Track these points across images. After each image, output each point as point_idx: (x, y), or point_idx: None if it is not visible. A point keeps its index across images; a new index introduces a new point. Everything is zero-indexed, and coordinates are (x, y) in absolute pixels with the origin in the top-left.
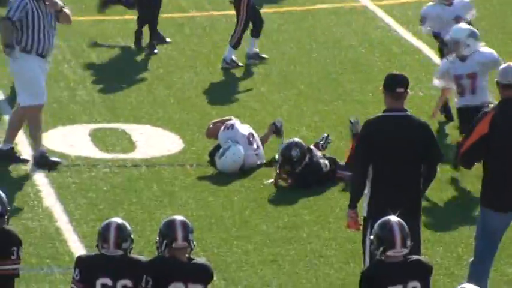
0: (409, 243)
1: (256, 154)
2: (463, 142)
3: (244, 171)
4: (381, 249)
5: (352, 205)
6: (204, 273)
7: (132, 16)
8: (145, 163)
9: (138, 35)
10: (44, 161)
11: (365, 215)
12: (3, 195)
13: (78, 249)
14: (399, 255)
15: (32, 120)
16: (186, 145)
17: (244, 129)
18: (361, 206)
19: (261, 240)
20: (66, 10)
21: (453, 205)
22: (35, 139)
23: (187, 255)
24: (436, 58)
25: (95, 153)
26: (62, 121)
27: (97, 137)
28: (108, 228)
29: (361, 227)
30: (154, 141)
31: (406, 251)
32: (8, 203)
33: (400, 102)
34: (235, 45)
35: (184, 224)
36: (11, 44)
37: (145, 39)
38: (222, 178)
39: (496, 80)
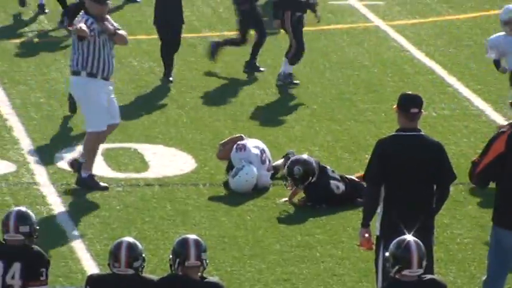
0: (424, 263)
1: (269, 172)
2: (478, 161)
3: (257, 190)
4: (396, 268)
5: (365, 224)
6: None
7: (144, 36)
8: (158, 182)
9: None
10: (92, 184)
11: (378, 234)
12: (32, 214)
13: (91, 267)
14: (414, 275)
15: (93, 143)
16: (198, 165)
17: (256, 147)
18: (374, 225)
19: (274, 260)
20: (120, 32)
21: (466, 223)
22: (88, 160)
23: (199, 273)
24: (449, 78)
25: (108, 172)
26: (75, 141)
27: (110, 157)
28: (119, 248)
29: (374, 246)
30: (167, 161)
31: (421, 271)
32: (36, 223)
33: (414, 122)
34: (293, 61)
35: (197, 243)
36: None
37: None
38: (234, 197)
39: (509, 101)
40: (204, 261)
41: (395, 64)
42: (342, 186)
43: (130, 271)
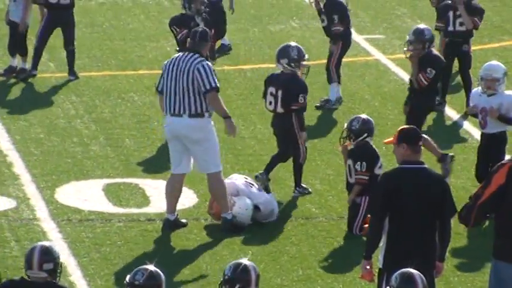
0: None
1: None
2: (476, 195)
3: (259, 223)
4: None
5: (368, 256)
6: None
7: (146, 71)
8: (159, 217)
9: None
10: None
11: (381, 267)
12: (55, 249)
13: None
14: None
15: (222, 181)
16: (199, 199)
17: (240, 180)
18: (376, 258)
19: None
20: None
21: (466, 256)
22: (224, 201)
23: None
24: (449, 111)
25: (109, 207)
26: (75, 176)
27: (111, 192)
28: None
29: (375, 279)
30: None
31: None
32: (59, 257)
33: (419, 155)
34: (333, 79)
35: (255, 268)
36: (227, 114)
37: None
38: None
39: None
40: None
41: (396, 97)
42: (380, 171)
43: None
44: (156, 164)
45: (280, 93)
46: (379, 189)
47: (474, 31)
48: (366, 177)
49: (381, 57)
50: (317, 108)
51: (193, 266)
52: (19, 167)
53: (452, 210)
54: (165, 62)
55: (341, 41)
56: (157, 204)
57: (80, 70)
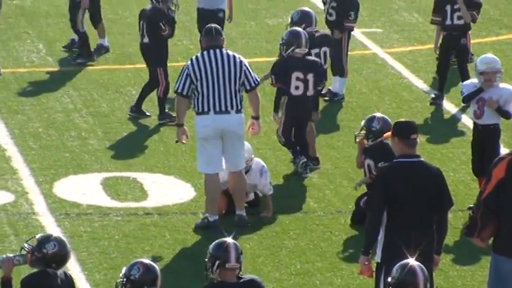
0: (429, 287)
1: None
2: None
3: (257, 219)
4: None
5: (366, 252)
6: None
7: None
8: (157, 211)
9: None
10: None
11: (379, 261)
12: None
13: None
14: None
15: (245, 182)
16: (197, 193)
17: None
18: (374, 252)
19: None
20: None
21: (465, 251)
22: (242, 201)
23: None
24: (447, 105)
25: (107, 201)
26: (73, 170)
27: (109, 186)
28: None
29: (373, 274)
30: (166, 190)
31: None
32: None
33: (414, 148)
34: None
35: (236, 246)
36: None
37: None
38: (233, 226)
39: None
40: (242, 263)
41: (394, 91)
42: None
43: None
44: (154, 158)
45: (311, 76)
46: (376, 184)
47: (472, 24)
48: None
49: (379, 51)
50: (326, 101)
51: (192, 259)
52: (17, 161)
53: (449, 202)
54: (191, 63)
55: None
56: (155, 198)
57: (78, 64)
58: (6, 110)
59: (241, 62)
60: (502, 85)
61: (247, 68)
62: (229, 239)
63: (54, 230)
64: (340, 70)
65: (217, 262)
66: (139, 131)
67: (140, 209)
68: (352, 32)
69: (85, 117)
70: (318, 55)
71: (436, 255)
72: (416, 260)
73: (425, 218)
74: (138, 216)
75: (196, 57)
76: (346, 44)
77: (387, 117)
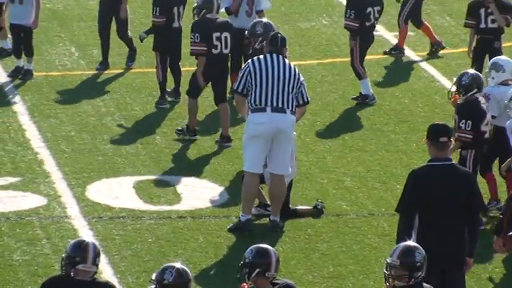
0: None
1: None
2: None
3: (290, 222)
4: None
5: None
6: None
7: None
8: (190, 215)
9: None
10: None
11: None
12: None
13: None
14: None
15: (285, 187)
16: (230, 196)
17: None
18: None
19: None
20: None
21: (497, 253)
22: (278, 206)
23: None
24: None
25: (140, 205)
26: (106, 173)
27: (142, 189)
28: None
29: None
30: (199, 193)
31: None
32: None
33: (445, 151)
34: (361, 76)
35: (276, 253)
36: None
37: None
38: (267, 229)
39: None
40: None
41: (426, 94)
42: (487, 128)
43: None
44: (187, 161)
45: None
46: (408, 187)
47: (505, 28)
48: (470, 136)
49: (411, 54)
50: (357, 105)
51: (224, 263)
52: (50, 165)
53: (481, 205)
54: (252, 61)
55: (358, 36)
56: (188, 201)
57: (111, 67)
58: (39, 114)
59: (299, 74)
60: None
61: (302, 83)
62: (264, 245)
63: (86, 233)
64: (357, 74)
65: (257, 270)
66: (172, 134)
67: (173, 212)
68: (385, 36)
69: (118, 121)
70: (218, 39)
71: (469, 258)
72: (448, 263)
73: (457, 222)
74: (171, 220)
75: (258, 58)
76: (356, 48)
77: (480, 74)
